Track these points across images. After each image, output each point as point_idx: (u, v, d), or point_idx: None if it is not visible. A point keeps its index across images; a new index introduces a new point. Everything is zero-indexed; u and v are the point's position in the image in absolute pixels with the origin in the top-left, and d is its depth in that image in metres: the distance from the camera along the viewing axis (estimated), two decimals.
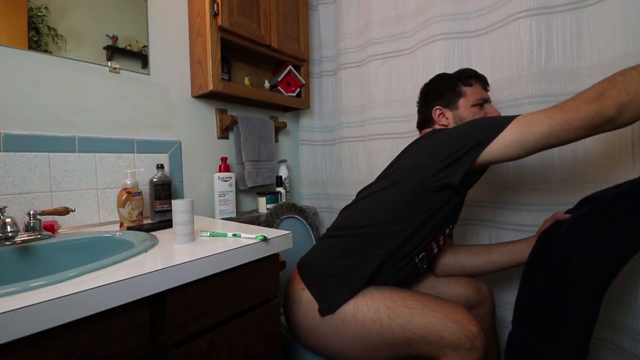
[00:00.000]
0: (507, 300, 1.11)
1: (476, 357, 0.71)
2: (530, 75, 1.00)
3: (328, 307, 0.81)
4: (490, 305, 0.97)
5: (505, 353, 0.80)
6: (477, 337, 0.71)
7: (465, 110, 0.93)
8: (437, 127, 0.97)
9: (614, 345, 0.90)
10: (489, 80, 1.03)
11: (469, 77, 0.95)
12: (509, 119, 0.74)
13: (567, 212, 0.80)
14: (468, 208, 1.19)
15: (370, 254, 0.84)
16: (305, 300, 0.85)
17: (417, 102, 1.04)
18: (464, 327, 0.72)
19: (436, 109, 0.96)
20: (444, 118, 0.95)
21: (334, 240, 0.91)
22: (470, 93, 0.93)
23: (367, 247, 0.85)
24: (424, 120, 1.01)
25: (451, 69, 1.18)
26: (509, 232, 1.08)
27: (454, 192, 0.81)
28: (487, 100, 0.94)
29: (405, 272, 0.87)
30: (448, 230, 0.91)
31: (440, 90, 0.97)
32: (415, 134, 1.28)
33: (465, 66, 1.16)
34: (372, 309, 0.78)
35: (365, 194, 0.94)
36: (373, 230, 0.85)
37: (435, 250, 0.91)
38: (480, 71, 1.14)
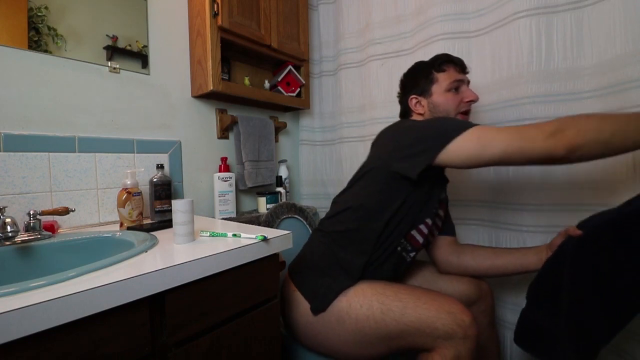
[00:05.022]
0: (507, 300, 1.11)
1: (470, 345, 0.72)
2: (530, 75, 1.00)
3: (320, 305, 0.83)
4: (490, 302, 0.97)
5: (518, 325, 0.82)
6: (469, 326, 0.73)
7: (439, 96, 0.93)
8: (414, 116, 0.99)
9: (614, 347, 0.90)
10: (489, 80, 1.03)
11: (442, 62, 0.95)
12: (468, 125, 0.76)
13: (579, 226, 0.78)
14: (468, 208, 1.19)
15: (356, 250, 0.86)
16: (299, 300, 0.87)
17: (397, 94, 1.05)
18: (457, 317, 0.73)
19: (412, 98, 0.97)
20: (420, 106, 0.96)
21: (322, 238, 0.93)
22: (443, 79, 0.93)
23: (354, 243, 0.87)
24: (404, 110, 1.02)
25: None
26: (509, 232, 1.08)
27: (413, 184, 0.83)
28: (462, 82, 0.94)
29: (391, 263, 0.88)
30: (431, 222, 0.90)
31: (415, 79, 0.98)
32: None
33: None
34: (365, 305, 0.79)
35: (349, 184, 0.97)
36: (355, 225, 0.88)
37: (421, 241, 0.90)
38: (480, 71, 1.15)
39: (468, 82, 0.96)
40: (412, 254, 0.91)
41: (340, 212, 0.92)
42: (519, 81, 1.02)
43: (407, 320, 0.75)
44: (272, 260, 0.77)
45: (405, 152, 0.81)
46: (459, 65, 0.95)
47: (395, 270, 0.91)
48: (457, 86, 0.92)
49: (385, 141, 0.90)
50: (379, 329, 0.77)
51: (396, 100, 1.36)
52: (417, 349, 0.77)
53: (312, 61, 1.65)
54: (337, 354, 0.84)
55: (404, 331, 0.75)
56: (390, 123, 1.36)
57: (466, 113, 0.94)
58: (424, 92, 0.95)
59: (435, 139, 0.77)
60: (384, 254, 0.87)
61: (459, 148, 0.75)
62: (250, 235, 0.74)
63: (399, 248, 0.88)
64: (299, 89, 1.51)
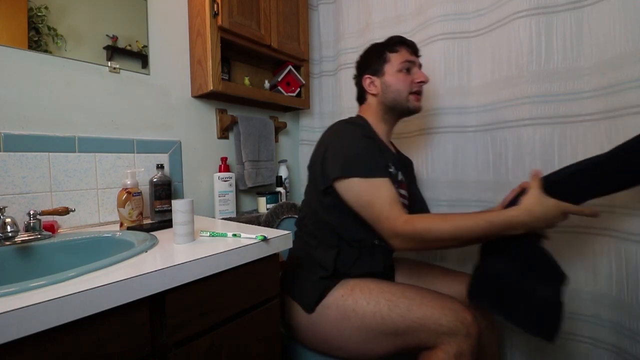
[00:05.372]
0: None
1: (472, 342, 0.74)
2: (530, 75, 1.00)
3: (311, 304, 0.85)
4: None
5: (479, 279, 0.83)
6: (471, 324, 0.75)
7: (391, 76, 0.96)
8: (368, 98, 1.00)
9: (615, 347, 0.90)
10: (489, 80, 1.02)
11: (395, 43, 0.97)
12: (371, 174, 0.81)
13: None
14: (467, 208, 1.19)
15: (324, 245, 0.90)
16: (293, 303, 0.89)
17: (354, 76, 1.07)
18: (460, 314, 0.75)
19: (366, 78, 0.99)
20: (374, 86, 0.98)
21: (298, 240, 0.98)
22: (395, 59, 0.96)
23: (320, 241, 0.91)
24: (359, 93, 1.04)
25: (451, 69, 1.18)
26: None
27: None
28: (414, 64, 0.97)
29: (378, 258, 0.91)
30: None
31: (368, 59, 1.00)
32: (416, 134, 1.28)
33: (465, 66, 1.17)
34: (372, 302, 0.80)
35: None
36: (314, 226, 0.93)
37: None
38: (480, 71, 1.15)
39: (420, 65, 0.99)
40: (384, 243, 0.94)
41: (303, 216, 0.99)
42: (519, 81, 1.02)
43: (413, 316, 0.76)
44: (272, 260, 0.77)
45: (323, 163, 0.87)
46: (412, 48, 0.98)
47: (387, 266, 0.94)
48: (408, 67, 0.95)
49: (316, 151, 0.94)
50: (386, 325, 0.78)
51: None
52: (420, 346, 0.78)
53: (312, 61, 1.65)
54: (340, 352, 0.84)
55: (409, 327, 0.76)
56: None
57: (418, 93, 0.97)
58: (377, 71, 0.97)
59: (347, 167, 0.83)
60: (360, 246, 0.89)
61: (351, 191, 0.83)
62: (250, 235, 0.74)
63: (375, 241, 0.90)
64: (299, 89, 1.51)
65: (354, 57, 1.49)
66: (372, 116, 0.99)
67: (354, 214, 0.86)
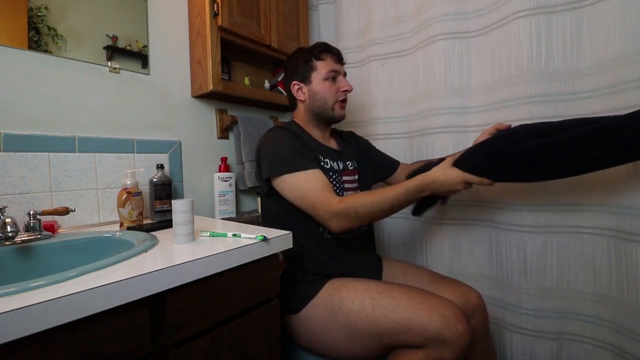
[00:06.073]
0: (507, 301, 1.10)
1: (457, 353, 0.71)
2: (530, 75, 1.00)
3: (293, 310, 0.86)
4: (480, 317, 0.92)
5: None
6: (462, 334, 0.71)
7: (317, 84, 0.98)
8: (298, 104, 1.03)
9: (615, 347, 0.90)
10: (489, 80, 1.02)
11: (321, 51, 0.99)
12: (302, 167, 0.85)
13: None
14: (468, 208, 1.19)
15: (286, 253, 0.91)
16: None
17: (281, 77, 1.10)
18: (450, 322, 0.72)
19: (294, 84, 1.01)
20: (302, 93, 1.01)
21: None
22: (322, 67, 0.98)
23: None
24: (289, 98, 1.06)
25: (451, 69, 1.18)
26: (509, 232, 1.08)
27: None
28: (339, 73, 1.00)
29: (341, 250, 0.94)
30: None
31: (296, 65, 1.02)
32: (417, 134, 1.28)
33: (465, 66, 1.17)
34: (357, 301, 0.80)
35: None
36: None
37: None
38: (480, 71, 1.14)
39: (344, 73, 1.02)
40: (344, 235, 0.95)
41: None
42: (519, 81, 1.02)
43: (397, 318, 0.75)
44: (272, 260, 0.77)
45: (259, 169, 0.94)
46: (336, 56, 1.00)
47: (353, 252, 0.96)
48: (333, 76, 0.98)
49: (256, 162, 0.98)
50: (370, 325, 0.77)
51: (396, 100, 1.37)
52: (409, 348, 0.76)
53: None
54: (333, 353, 0.84)
55: (394, 329, 0.75)
56: (390, 123, 1.38)
57: (343, 102, 1.00)
58: (305, 79, 1.00)
59: (275, 166, 0.87)
60: (312, 241, 0.91)
61: (285, 188, 0.87)
62: (250, 235, 0.74)
63: (328, 236, 0.93)
64: None
65: (355, 57, 1.50)
66: (303, 122, 1.03)
67: (293, 217, 0.90)
